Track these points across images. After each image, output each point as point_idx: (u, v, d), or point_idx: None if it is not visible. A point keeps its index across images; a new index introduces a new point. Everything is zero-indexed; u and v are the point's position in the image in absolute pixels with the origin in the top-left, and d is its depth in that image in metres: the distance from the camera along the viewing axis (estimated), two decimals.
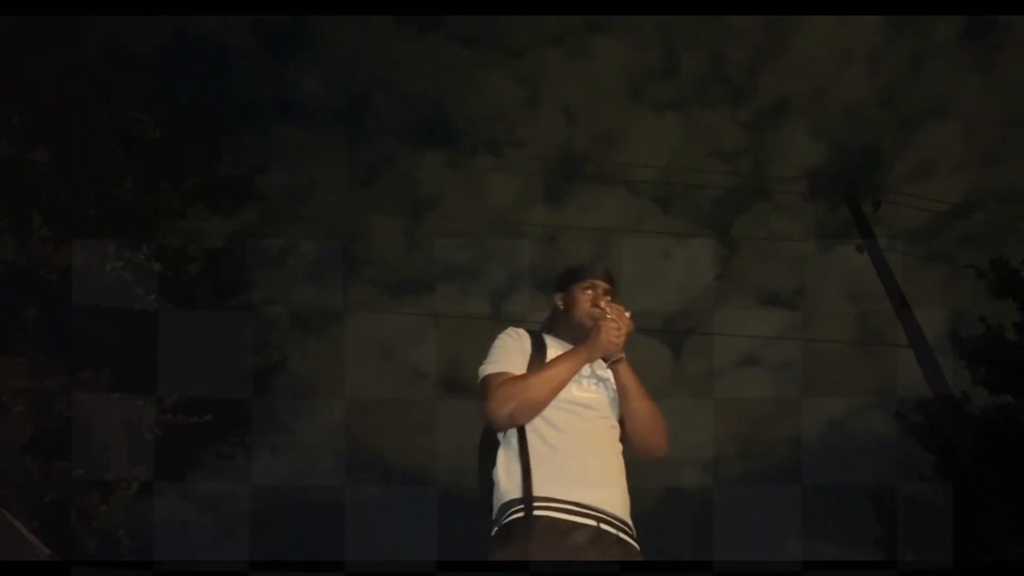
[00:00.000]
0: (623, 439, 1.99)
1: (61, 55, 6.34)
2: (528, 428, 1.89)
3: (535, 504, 1.77)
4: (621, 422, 2.00)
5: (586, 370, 2.00)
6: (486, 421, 1.93)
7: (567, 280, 2.16)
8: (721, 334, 8.25)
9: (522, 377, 1.91)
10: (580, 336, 2.02)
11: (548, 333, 2.13)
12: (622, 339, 1.92)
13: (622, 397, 1.96)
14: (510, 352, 2.00)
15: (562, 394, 1.91)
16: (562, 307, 2.16)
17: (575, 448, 1.85)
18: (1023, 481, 7.29)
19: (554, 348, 2.03)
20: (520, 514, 1.76)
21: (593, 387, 1.99)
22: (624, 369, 1.96)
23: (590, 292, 2.10)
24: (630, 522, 1.86)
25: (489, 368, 1.96)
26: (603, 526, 1.76)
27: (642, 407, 1.96)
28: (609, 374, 2.02)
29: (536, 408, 1.87)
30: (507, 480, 1.84)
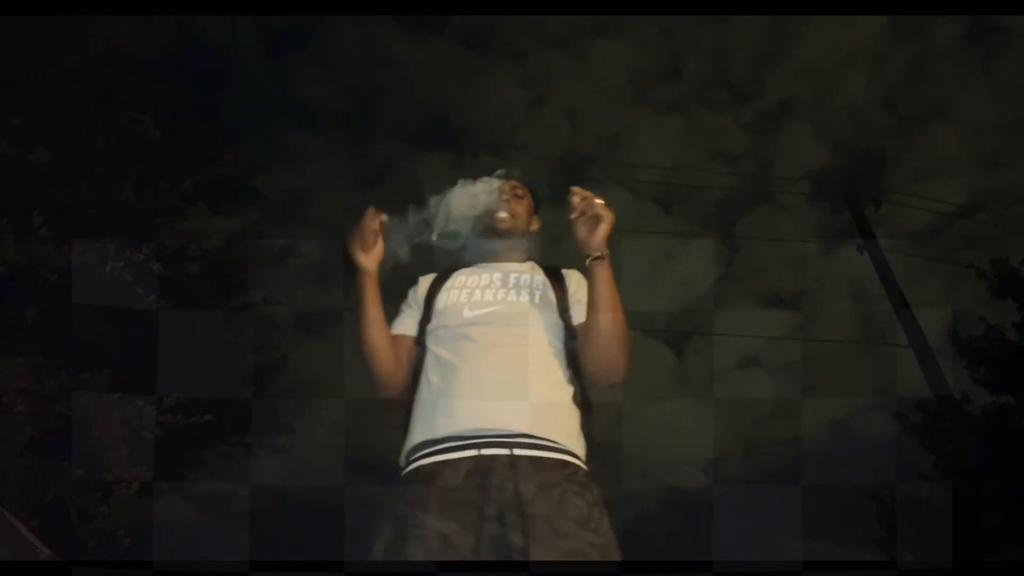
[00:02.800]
0: (580, 352, 1.74)
1: (61, 55, 6.33)
2: (421, 377, 1.73)
3: (407, 461, 1.63)
4: (572, 329, 1.76)
5: (487, 279, 1.83)
6: (377, 392, 1.80)
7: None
8: (723, 334, 8.25)
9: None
10: (488, 238, 1.87)
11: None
12: (600, 234, 1.65)
13: (589, 305, 1.71)
14: (402, 313, 1.88)
15: (452, 320, 1.75)
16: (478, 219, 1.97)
17: (463, 376, 1.64)
18: (1023, 481, 7.29)
19: (468, 270, 1.89)
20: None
21: (495, 299, 1.78)
22: (603, 272, 1.69)
23: (502, 193, 1.92)
24: (552, 435, 1.60)
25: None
26: (485, 451, 1.54)
27: (606, 320, 1.68)
28: (529, 278, 1.84)
29: (373, 352, 1.72)
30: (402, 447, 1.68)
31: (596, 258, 1.68)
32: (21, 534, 4.72)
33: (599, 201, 1.70)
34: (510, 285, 1.82)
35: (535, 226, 2.01)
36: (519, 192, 1.98)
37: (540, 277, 1.86)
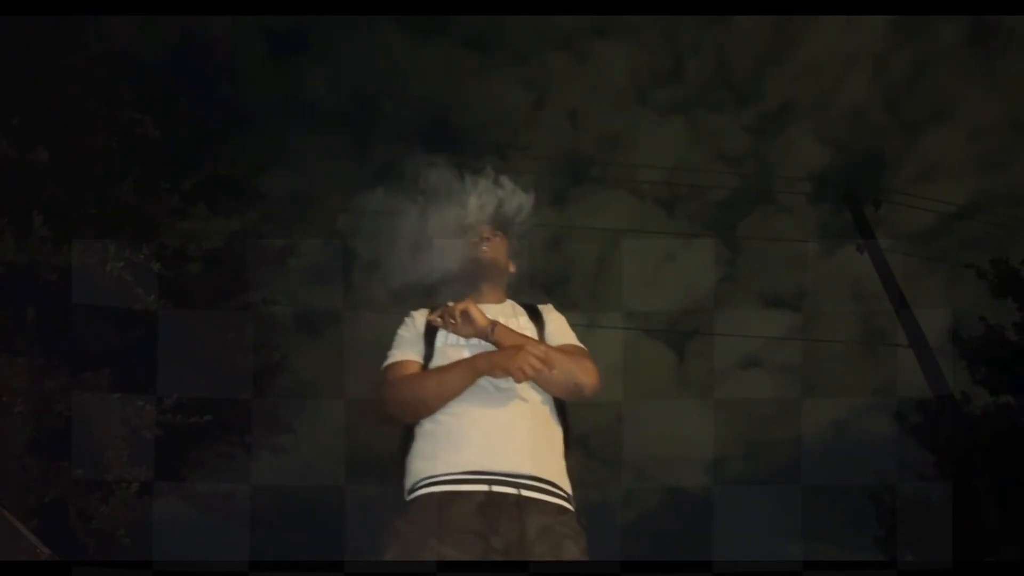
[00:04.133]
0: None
1: (61, 55, 6.33)
2: None
3: (416, 486, 1.73)
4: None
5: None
6: (380, 415, 1.90)
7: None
8: (724, 334, 8.25)
9: (416, 377, 1.87)
10: (472, 282, 2.01)
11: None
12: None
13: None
14: (405, 340, 1.98)
15: (452, 358, 1.86)
16: (457, 268, 2.10)
17: (466, 414, 1.77)
18: (1023, 481, 7.29)
19: None
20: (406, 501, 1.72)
21: (487, 346, 1.91)
22: (502, 334, 1.85)
23: (475, 239, 2.05)
24: (553, 478, 1.74)
25: (387, 361, 1.95)
26: (496, 488, 1.66)
27: (556, 380, 1.81)
28: (515, 321, 1.97)
29: (428, 409, 1.80)
30: (407, 470, 1.79)
31: (491, 333, 1.85)
32: (21, 534, 4.73)
33: (450, 304, 1.88)
34: None
35: (512, 268, 2.14)
36: (493, 233, 2.09)
37: (522, 319, 1.99)
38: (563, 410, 1.90)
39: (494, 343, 1.85)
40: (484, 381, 1.80)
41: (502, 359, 1.75)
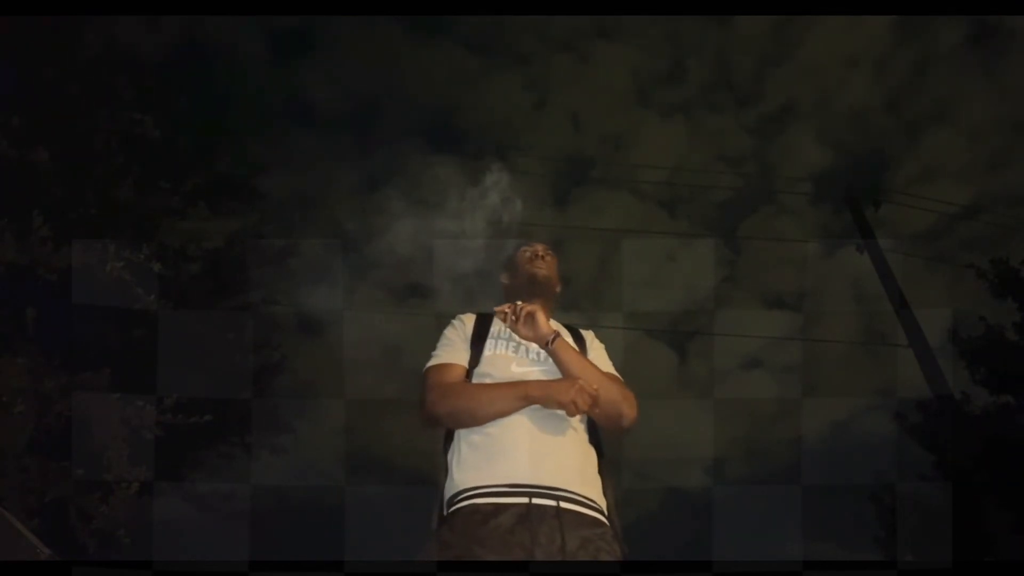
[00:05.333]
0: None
1: (61, 55, 6.33)
2: None
3: (459, 497, 1.75)
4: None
5: (526, 343, 1.99)
6: (423, 415, 1.91)
7: (510, 256, 2.23)
8: (725, 334, 8.25)
9: (469, 389, 1.89)
10: (524, 295, 2.05)
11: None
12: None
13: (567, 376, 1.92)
14: (453, 343, 2.00)
15: (500, 371, 1.91)
16: (507, 282, 2.20)
17: (510, 429, 1.81)
18: (1023, 481, 7.29)
19: (500, 325, 2.04)
20: (449, 511, 1.75)
21: (535, 361, 1.96)
22: (561, 349, 1.92)
23: (528, 251, 2.17)
24: (590, 494, 1.79)
25: (432, 361, 1.98)
26: (536, 500, 1.70)
27: (602, 411, 1.87)
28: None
29: (475, 421, 1.83)
30: (449, 477, 1.82)
31: (550, 342, 1.90)
32: (21, 534, 4.73)
33: (519, 303, 1.94)
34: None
35: (558, 288, 2.21)
36: (547, 251, 2.20)
37: (569, 340, 2.01)
38: (595, 431, 1.94)
39: (551, 352, 1.90)
40: (512, 372, 1.87)
41: (557, 392, 1.80)
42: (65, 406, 5.78)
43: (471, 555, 1.62)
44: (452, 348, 1.99)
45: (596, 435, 1.95)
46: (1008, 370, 8.25)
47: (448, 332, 2.05)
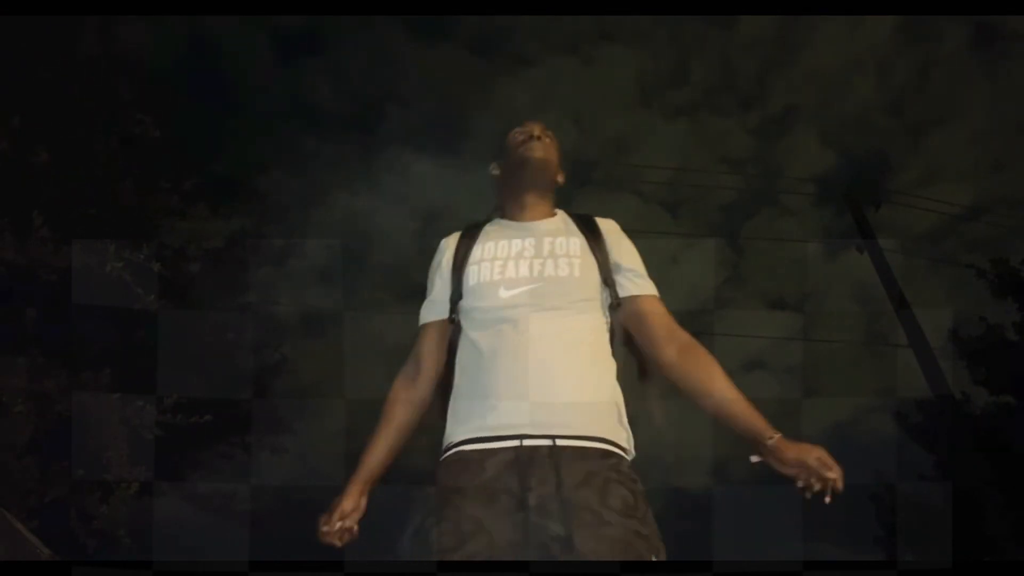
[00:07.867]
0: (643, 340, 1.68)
1: (61, 55, 6.33)
2: (456, 366, 1.68)
3: (447, 448, 1.60)
4: (617, 298, 1.69)
5: (519, 247, 1.70)
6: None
7: (501, 143, 1.88)
8: (727, 335, 8.24)
9: (391, 411, 1.74)
10: (517, 185, 1.78)
11: (497, 216, 1.86)
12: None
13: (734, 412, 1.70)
14: (433, 286, 1.78)
15: (487, 300, 1.64)
16: (497, 172, 1.88)
17: (504, 370, 1.57)
18: (1023, 481, 7.29)
19: (494, 231, 1.78)
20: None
21: (530, 274, 1.66)
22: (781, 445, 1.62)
23: (521, 133, 1.81)
24: (593, 430, 1.54)
25: (420, 319, 1.78)
26: (527, 442, 1.49)
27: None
28: (565, 242, 1.71)
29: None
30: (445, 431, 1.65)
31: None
32: (21, 534, 4.72)
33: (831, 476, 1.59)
34: (545, 254, 1.68)
35: (560, 178, 1.87)
36: (544, 132, 1.85)
37: (577, 240, 1.72)
38: (621, 345, 1.68)
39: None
40: (508, 326, 1.60)
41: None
42: (65, 406, 5.78)
43: (454, 506, 1.46)
44: (429, 302, 1.77)
45: (628, 350, 1.70)
46: (1008, 370, 8.26)
47: (431, 271, 1.80)
